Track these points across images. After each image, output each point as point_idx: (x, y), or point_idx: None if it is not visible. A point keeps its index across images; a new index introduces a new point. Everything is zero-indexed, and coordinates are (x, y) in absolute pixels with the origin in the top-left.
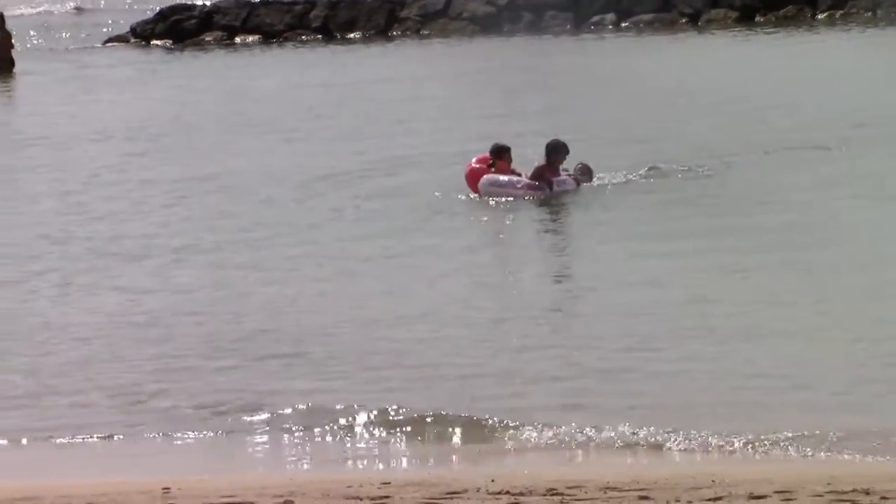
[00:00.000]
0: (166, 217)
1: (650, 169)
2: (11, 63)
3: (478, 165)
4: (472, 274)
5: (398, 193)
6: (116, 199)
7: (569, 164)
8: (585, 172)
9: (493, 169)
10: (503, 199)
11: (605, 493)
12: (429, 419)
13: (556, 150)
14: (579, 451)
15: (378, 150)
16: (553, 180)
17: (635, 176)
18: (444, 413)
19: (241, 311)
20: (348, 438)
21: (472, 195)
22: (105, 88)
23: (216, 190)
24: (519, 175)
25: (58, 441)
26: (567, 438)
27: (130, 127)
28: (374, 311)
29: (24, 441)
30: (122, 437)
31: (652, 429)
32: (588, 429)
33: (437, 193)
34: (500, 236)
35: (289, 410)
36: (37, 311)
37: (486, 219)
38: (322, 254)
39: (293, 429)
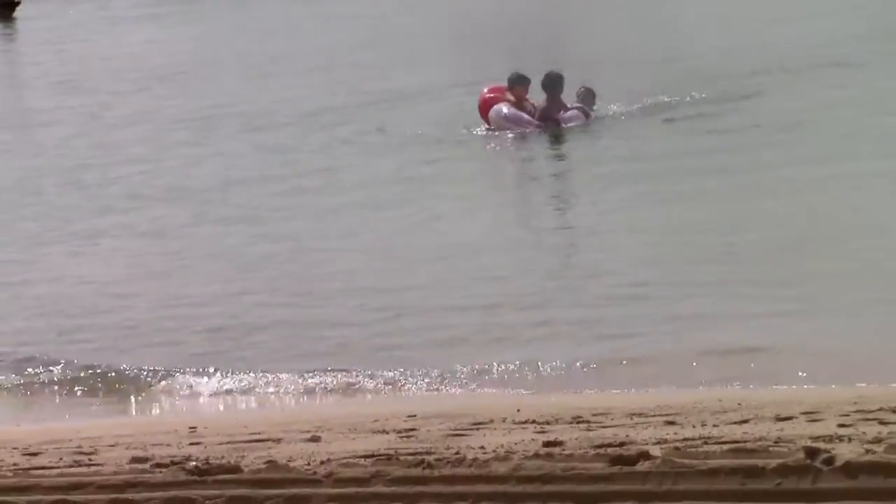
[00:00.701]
0: (197, 156)
1: (665, 121)
2: (13, 6)
3: (490, 95)
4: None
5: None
6: (147, 139)
7: (570, 90)
8: (588, 96)
9: (508, 99)
10: (512, 134)
11: (632, 418)
12: (450, 351)
13: (554, 84)
14: (604, 379)
15: (383, 83)
16: (559, 118)
17: (645, 103)
18: (466, 344)
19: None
20: (373, 374)
21: (485, 126)
22: (121, 28)
23: (243, 127)
24: (534, 105)
25: (79, 385)
26: (591, 366)
27: (153, 66)
28: (395, 251)
29: (46, 383)
30: (149, 378)
31: (676, 352)
32: (612, 356)
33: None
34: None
35: (312, 347)
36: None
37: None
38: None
39: (319, 367)
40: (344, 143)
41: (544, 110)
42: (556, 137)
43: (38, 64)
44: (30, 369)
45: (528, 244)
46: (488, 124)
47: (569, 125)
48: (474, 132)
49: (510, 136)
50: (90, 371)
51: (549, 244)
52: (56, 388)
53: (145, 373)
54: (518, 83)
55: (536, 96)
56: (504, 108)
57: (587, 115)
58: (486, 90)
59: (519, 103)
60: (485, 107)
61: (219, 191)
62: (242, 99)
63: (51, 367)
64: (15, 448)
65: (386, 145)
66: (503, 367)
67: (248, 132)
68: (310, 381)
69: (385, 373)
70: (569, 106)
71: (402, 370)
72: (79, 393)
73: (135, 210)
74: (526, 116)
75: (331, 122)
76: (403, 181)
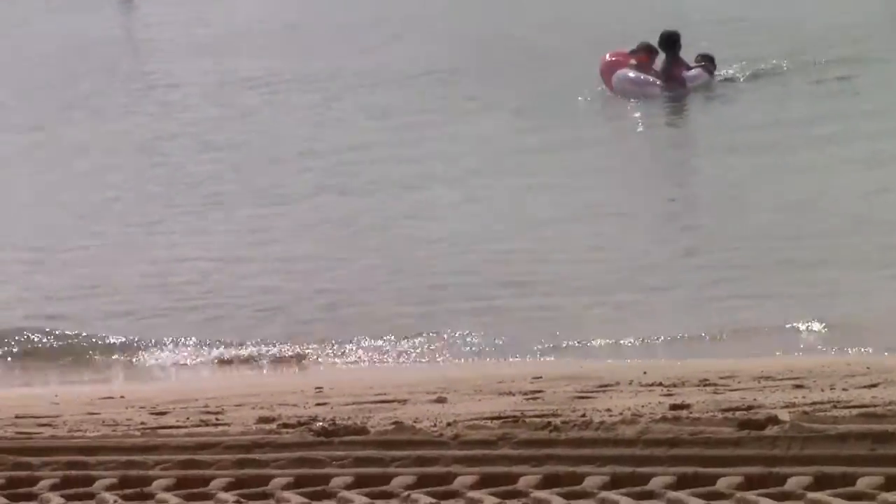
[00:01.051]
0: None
1: (814, 83)
2: None
3: (613, 59)
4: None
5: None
6: (269, 103)
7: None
8: (707, 61)
9: (631, 64)
10: (635, 99)
11: (759, 382)
12: (574, 315)
13: (671, 42)
14: (731, 342)
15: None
16: (683, 76)
17: (761, 68)
18: (591, 307)
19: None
20: (498, 336)
21: (606, 91)
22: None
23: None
24: (656, 72)
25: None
26: (718, 329)
27: (252, 30)
28: (512, 217)
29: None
30: (281, 346)
31: (805, 316)
32: (740, 319)
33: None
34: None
35: (433, 310)
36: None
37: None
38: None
39: (446, 329)
40: (464, 106)
41: (665, 70)
42: (681, 102)
43: (161, 25)
44: (147, 331)
45: (652, 211)
46: (610, 89)
47: (694, 84)
48: (592, 98)
49: (633, 101)
50: (210, 332)
51: (670, 211)
52: (176, 348)
53: (267, 336)
54: (645, 50)
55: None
56: (629, 73)
57: (711, 74)
58: (608, 55)
59: (643, 68)
60: (607, 71)
61: (338, 155)
62: (357, 61)
63: (165, 330)
64: (143, 407)
65: (503, 110)
66: (629, 331)
67: (367, 94)
68: (434, 344)
69: (510, 335)
70: (690, 65)
71: (526, 332)
72: (200, 353)
73: (259, 176)
74: (651, 78)
75: (446, 82)
76: (522, 148)
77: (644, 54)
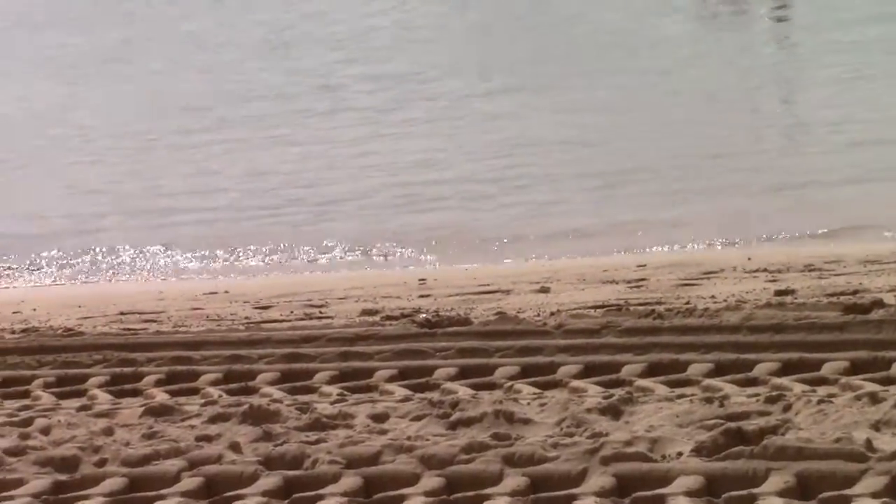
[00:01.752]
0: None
1: None
2: None
3: None
4: None
5: None
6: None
7: None
8: None
9: None
10: None
11: (865, 266)
12: (682, 201)
13: None
14: (836, 229)
15: None
16: None
17: None
18: (694, 194)
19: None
20: (605, 226)
21: None
22: None
23: None
24: None
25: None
26: (820, 215)
27: None
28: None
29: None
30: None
31: None
32: (841, 206)
33: None
34: None
35: (537, 200)
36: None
37: None
38: None
39: (553, 222)
40: None
41: None
42: None
43: None
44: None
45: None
46: None
47: None
48: None
49: None
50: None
51: (775, 98)
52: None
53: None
54: None
55: None
56: None
57: None
58: None
59: None
60: None
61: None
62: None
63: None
64: (247, 301)
65: None
66: (730, 217)
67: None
68: (537, 232)
69: (614, 220)
70: None
71: (631, 219)
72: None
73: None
74: None
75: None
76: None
77: None
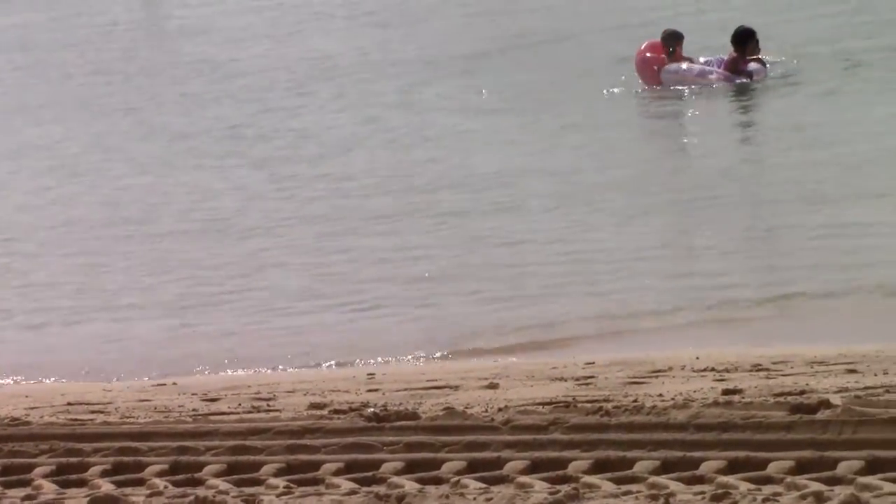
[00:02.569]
0: None
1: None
2: None
3: (651, 54)
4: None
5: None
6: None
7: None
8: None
9: (670, 57)
10: (686, 88)
11: (812, 367)
12: (635, 302)
13: (747, 38)
14: (783, 329)
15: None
16: (751, 69)
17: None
18: (647, 296)
19: None
20: (551, 324)
21: (645, 86)
22: None
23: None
24: (691, 62)
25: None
26: (769, 316)
27: None
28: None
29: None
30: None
31: (856, 303)
32: (790, 306)
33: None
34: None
35: (489, 294)
36: None
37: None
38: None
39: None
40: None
41: (732, 60)
42: (744, 91)
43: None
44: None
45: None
46: (652, 84)
47: (758, 77)
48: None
49: (687, 91)
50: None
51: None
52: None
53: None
54: (676, 40)
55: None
56: (683, 65)
57: (766, 66)
58: (643, 47)
59: (680, 62)
60: (646, 66)
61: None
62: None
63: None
64: (195, 394)
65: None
66: (680, 315)
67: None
68: (487, 328)
69: (560, 321)
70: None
71: (576, 319)
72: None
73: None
74: (710, 69)
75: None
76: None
77: (679, 48)
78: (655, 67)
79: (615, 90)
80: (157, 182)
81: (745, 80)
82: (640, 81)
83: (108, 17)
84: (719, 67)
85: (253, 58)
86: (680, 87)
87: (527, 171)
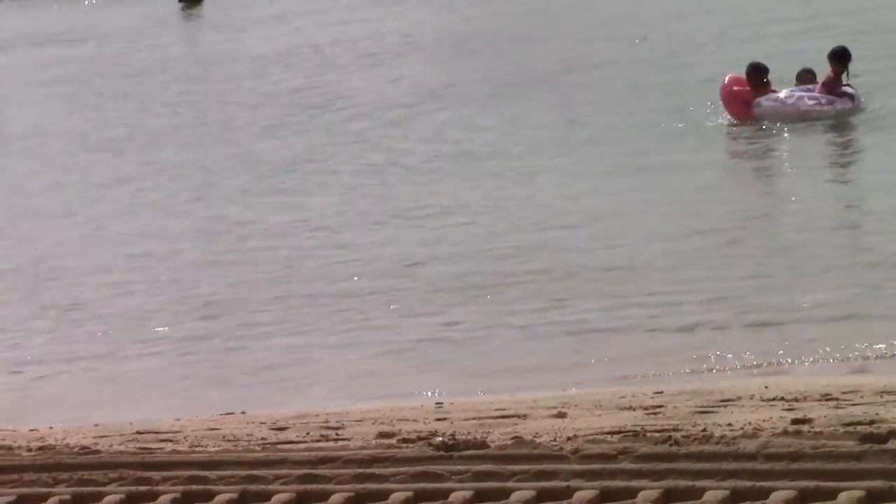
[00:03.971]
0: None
1: None
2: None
3: (738, 88)
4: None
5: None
6: None
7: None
8: (811, 75)
9: (761, 88)
10: (779, 124)
11: (881, 396)
12: (700, 328)
13: (847, 57)
14: (855, 358)
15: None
16: (852, 93)
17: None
18: (715, 322)
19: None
20: (619, 355)
21: (733, 120)
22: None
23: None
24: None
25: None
26: (842, 346)
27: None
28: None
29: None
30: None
31: None
32: (863, 335)
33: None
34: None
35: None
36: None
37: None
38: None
39: (563, 349)
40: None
41: (830, 81)
42: (845, 125)
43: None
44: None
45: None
46: (739, 118)
47: (858, 104)
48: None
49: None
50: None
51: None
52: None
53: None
54: (763, 74)
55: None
56: (781, 94)
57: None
58: (727, 80)
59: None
60: (732, 99)
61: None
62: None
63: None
64: (263, 423)
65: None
66: (753, 344)
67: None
68: (557, 363)
69: (631, 351)
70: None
71: (649, 347)
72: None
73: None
74: (812, 94)
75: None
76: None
77: (768, 84)
78: (746, 101)
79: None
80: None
81: (847, 107)
82: (727, 115)
83: (156, 51)
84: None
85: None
86: (777, 119)
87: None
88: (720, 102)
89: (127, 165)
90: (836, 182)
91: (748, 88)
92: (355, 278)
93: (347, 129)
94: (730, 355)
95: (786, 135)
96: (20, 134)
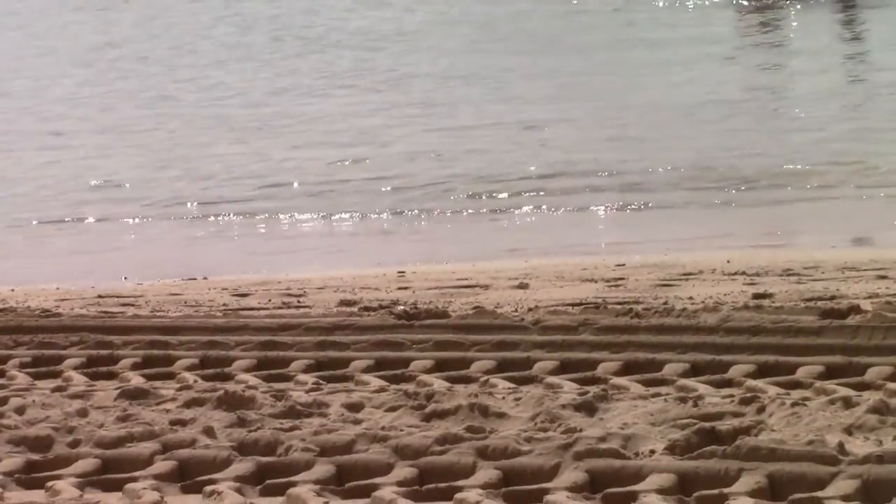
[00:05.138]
0: None
1: None
2: None
3: None
4: None
5: None
6: None
7: None
8: None
9: None
10: None
11: (843, 272)
12: (666, 199)
13: None
14: (815, 235)
15: None
16: None
17: None
18: (679, 192)
19: None
20: (584, 224)
21: None
22: None
23: None
24: None
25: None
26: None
27: None
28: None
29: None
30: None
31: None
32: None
33: None
34: None
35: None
36: None
37: None
38: None
39: (530, 216)
40: None
41: None
42: None
43: None
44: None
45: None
46: None
47: None
48: None
49: None
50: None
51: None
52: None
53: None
54: None
55: None
56: None
57: None
58: None
59: None
60: None
61: None
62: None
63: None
64: (225, 289)
65: None
66: (713, 216)
67: None
68: (517, 220)
69: (594, 220)
70: None
71: (613, 220)
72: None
73: None
74: None
75: None
76: None
77: None
78: None
79: None
80: None
81: None
82: None
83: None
84: None
85: None
86: None
87: None
88: None
89: None
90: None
91: None
92: None
93: None
94: (693, 229)
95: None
96: None
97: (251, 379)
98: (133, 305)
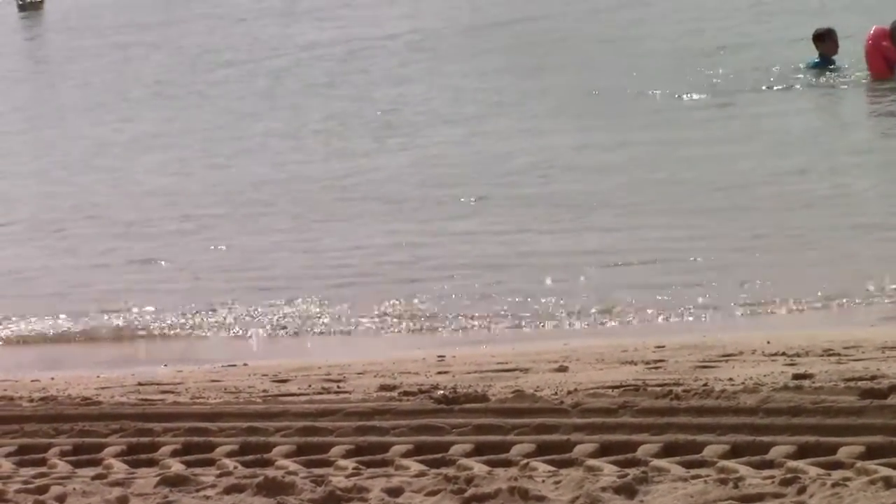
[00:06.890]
0: None
1: None
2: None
3: (886, 44)
4: None
5: None
6: None
7: None
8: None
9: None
10: None
11: (883, 352)
12: (700, 285)
13: None
14: (856, 313)
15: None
16: None
17: None
18: (716, 279)
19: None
20: (623, 308)
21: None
22: None
23: None
24: None
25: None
26: (844, 300)
27: None
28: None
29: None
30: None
31: None
32: (864, 291)
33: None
34: None
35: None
36: None
37: None
38: None
39: (567, 300)
40: None
41: None
42: None
43: None
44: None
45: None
46: (882, 76)
47: None
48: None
49: None
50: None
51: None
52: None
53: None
54: None
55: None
56: None
57: None
58: (871, 35)
59: None
60: (877, 57)
61: None
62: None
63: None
64: (265, 375)
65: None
66: (754, 299)
67: None
68: (556, 313)
69: (634, 304)
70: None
71: (652, 302)
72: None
73: None
74: None
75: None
76: None
77: None
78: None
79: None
80: None
81: None
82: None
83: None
84: None
85: None
86: None
87: None
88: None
89: None
90: None
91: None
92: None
93: None
94: (733, 310)
95: None
96: None
97: (291, 464)
98: (173, 392)
